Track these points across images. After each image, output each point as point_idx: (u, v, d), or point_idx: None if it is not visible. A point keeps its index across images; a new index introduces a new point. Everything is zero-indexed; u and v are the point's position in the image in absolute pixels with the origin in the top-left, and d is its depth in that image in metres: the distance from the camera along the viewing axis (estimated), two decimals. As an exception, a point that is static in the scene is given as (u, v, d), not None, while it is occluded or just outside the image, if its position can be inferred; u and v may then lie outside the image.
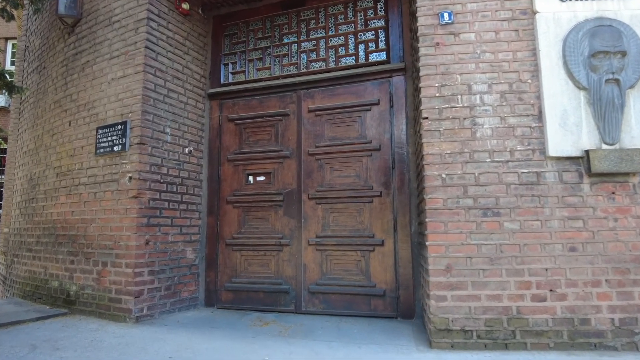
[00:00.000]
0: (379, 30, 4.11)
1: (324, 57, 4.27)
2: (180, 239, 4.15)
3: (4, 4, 4.87)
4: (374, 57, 4.09)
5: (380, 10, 4.13)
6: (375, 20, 4.15)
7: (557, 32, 2.95)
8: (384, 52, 4.06)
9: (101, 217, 3.94)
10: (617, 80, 2.82)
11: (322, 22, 4.34)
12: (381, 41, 4.09)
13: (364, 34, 4.16)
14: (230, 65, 4.66)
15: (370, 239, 3.81)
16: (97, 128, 4.09)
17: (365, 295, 3.77)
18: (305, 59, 4.34)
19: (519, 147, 2.91)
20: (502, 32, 3.03)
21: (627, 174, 2.79)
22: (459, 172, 2.94)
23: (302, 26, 4.41)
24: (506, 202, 2.88)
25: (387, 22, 4.07)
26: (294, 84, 4.25)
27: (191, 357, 2.76)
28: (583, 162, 2.83)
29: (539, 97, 2.93)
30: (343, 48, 4.22)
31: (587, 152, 2.80)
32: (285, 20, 4.49)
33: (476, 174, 2.93)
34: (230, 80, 4.63)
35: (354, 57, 4.17)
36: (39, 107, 5.04)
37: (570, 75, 2.89)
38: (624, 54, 2.84)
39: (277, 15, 4.51)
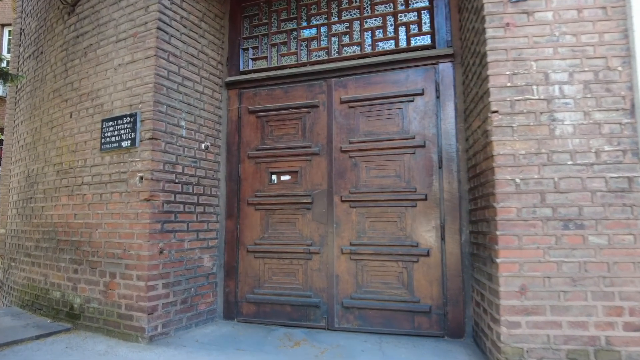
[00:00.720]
0: (422, 11, 3.61)
1: (359, 40, 3.78)
2: (196, 245, 3.70)
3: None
4: (416, 42, 3.61)
5: (423, -12, 3.64)
6: (417, 0, 3.65)
7: (654, 10, 2.47)
8: (429, 36, 3.57)
9: (108, 222, 3.48)
10: None
11: (356, 2, 3.84)
12: (425, 23, 3.60)
13: (405, 15, 3.67)
14: (251, 50, 4.16)
15: (413, 249, 3.37)
16: (103, 120, 3.61)
17: (407, 311, 3.34)
18: (337, 43, 3.85)
19: (606, 148, 2.45)
20: (586, 9, 2.55)
21: None
22: (535, 177, 2.49)
23: (333, 6, 3.90)
24: (591, 213, 2.43)
25: (431, 1, 3.58)
26: (324, 71, 3.76)
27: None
28: (685, 165, 2.39)
29: (631, 88, 2.46)
30: (380, 31, 3.73)
31: (691, 153, 2.35)
32: None
33: (555, 179, 2.47)
34: (250, 67, 4.14)
35: (393, 41, 3.68)
36: (36, 97, 4.55)
37: (671, 61, 2.42)
38: None
39: (304, -6, 4.01)
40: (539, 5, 2.60)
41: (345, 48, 3.82)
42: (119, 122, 3.48)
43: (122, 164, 3.45)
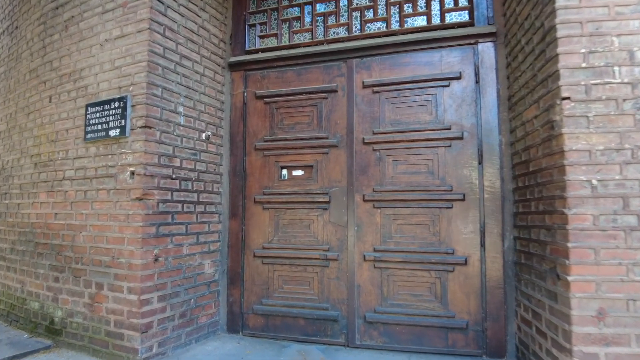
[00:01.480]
0: (459, -18, 3.13)
1: (385, 16, 3.29)
2: (196, 250, 3.23)
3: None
4: (451, 18, 3.13)
5: (460, -45, 3.15)
6: (453, -31, 3.17)
7: None
8: (466, 12, 3.10)
9: (94, 224, 2.99)
10: None
11: (380, -29, 3.34)
12: (462, -4, 3.12)
13: (439, -13, 3.19)
14: (258, 26, 3.64)
15: (448, 256, 2.94)
16: (87, 105, 3.09)
17: (441, 327, 2.92)
18: (359, 18, 3.35)
19: (702, 143, 2.02)
20: (680, -27, 2.09)
21: None
22: (616, 178, 2.05)
23: (355, -25, 3.41)
24: (684, 222, 2.00)
25: (470, -30, 3.10)
26: (343, 50, 3.27)
27: None
28: None
29: None
30: (410, 5, 3.24)
31: None
32: (329, -31, 3.49)
33: (641, 181, 2.04)
34: (257, 46, 3.63)
35: (425, 17, 3.20)
36: (11, 78, 3.99)
37: None
38: None
39: (319, -38, 3.50)
40: (621, -32, 2.13)
41: (368, 24, 3.33)
42: (106, 107, 2.97)
43: (109, 156, 2.95)
